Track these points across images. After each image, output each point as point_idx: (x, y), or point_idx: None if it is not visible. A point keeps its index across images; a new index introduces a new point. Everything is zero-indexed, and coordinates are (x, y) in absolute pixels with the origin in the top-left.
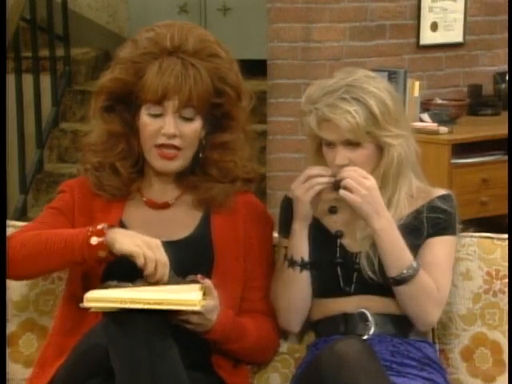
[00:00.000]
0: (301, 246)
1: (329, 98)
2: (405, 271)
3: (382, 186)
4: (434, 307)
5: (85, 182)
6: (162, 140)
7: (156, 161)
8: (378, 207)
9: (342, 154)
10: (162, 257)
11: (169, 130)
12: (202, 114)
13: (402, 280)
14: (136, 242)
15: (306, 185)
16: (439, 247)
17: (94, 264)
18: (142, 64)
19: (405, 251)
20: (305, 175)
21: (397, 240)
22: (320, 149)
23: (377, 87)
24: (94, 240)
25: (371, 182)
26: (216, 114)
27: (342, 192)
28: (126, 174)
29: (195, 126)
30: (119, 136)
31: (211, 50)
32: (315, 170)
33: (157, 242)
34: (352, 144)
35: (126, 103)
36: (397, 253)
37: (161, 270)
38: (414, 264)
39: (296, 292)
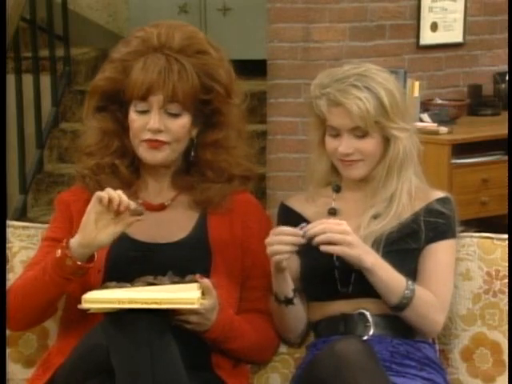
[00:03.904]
0: (282, 287)
1: (340, 84)
2: (404, 293)
3: (387, 180)
4: (439, 316)
5: (80, 194)
6: (147, 135)
7: (145, 153)
8: (364, 247)
9: (347, 142)
10: (107, 190)
11: (153, 125)
12: (189, 110)
13: (405, 304)
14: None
15: (275, 247)
16: (440, 253)
17: (75, 278)
18: (129, 62)
19: (397, 275)
20: (277, 231)
21: (387, 267)
22: (324, 140)
23: (386, 79)
24: (58, 252)
25: (346, 226)
26: (205, 110)
27: (324, 248)
28: (126, 174)
29: (182, 122)
30: (112, 134)
31: (199, 46)
32: (288, 230)
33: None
34: (359, 133)
35: (117, 103)
36: (392, 279)
37: (114, 193)
38: (410, 283)
39: (289, 319)
